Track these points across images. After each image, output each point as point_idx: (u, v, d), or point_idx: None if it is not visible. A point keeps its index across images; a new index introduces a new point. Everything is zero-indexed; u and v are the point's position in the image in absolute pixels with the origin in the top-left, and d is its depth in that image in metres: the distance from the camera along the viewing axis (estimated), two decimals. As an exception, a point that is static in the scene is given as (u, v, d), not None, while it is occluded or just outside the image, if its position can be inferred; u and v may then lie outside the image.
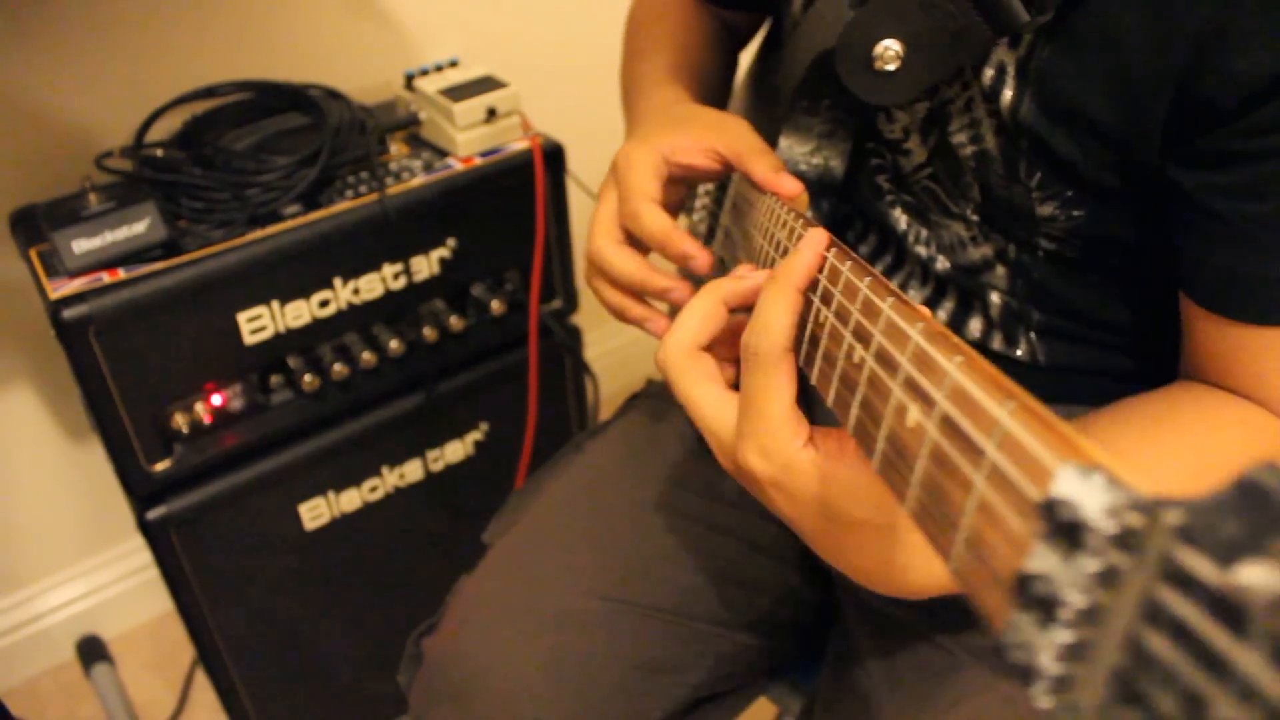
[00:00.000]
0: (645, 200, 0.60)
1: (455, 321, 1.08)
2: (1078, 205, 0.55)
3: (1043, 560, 0.24)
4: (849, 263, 0.43)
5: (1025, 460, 0.26)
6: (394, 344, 1.04)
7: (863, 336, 0.40)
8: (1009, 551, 0.26)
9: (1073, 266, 0.59)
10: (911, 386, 0.35)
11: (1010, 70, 0.54)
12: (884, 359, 0.37)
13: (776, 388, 0.44)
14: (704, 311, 0.50)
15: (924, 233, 0.65)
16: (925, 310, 0.37)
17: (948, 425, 0.31)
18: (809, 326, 0.46)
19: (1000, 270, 0.62)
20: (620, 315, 0.65)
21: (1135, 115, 0.50)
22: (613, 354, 1.81)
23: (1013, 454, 0.27)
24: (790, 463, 0.43)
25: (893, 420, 0.35)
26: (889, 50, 0.55)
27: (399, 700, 1.20)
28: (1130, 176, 0.53)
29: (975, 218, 0.61)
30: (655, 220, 0.59)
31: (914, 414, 0.34)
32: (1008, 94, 0.54)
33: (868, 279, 0.40)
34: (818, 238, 0.45)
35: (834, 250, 0.45)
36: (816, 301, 0.45)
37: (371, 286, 1.02)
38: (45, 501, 1.33)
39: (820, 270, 0.45)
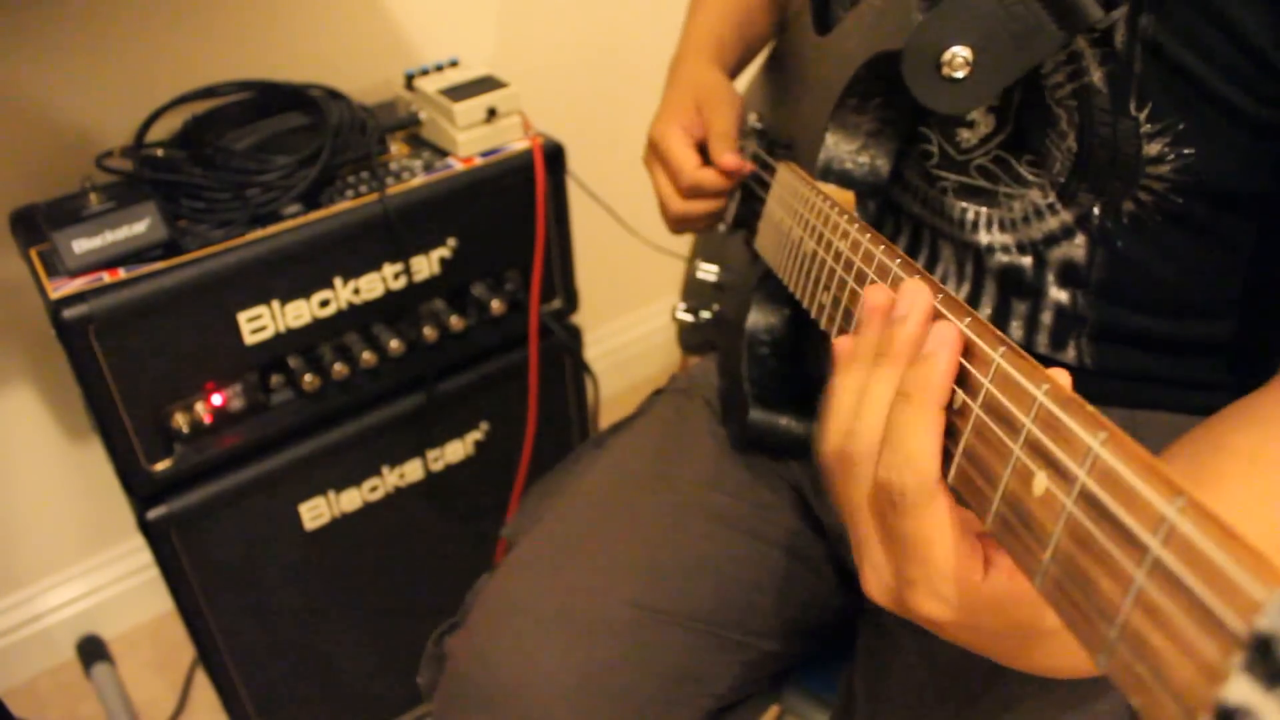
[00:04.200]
0: (696, 169, 0.77)
1: (455, 321, 1.08)
2: (1189, 140, 0.52)
3: (1244, 691, 0.22)
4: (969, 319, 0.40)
5: (1210, 573, 0.25)
6: (394, 344, 1.03)
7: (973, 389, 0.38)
8: (1194, 675, 0.25)
9: (1163, 226, 0.57)
10: (1038, 452, 0.33)
11: None
12: (1001, 415, 0.35)
13: (938, 528, 0.39)
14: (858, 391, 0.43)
15: (985, 213, 0.63)
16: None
17: (1090, 505, 0.30)
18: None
19: (1079, 238, 0.59)
20: (665, 205, 0.81)
21: None
22: (613, 354, 1.81)
23: (1188, 560, 0.25)
24: (974, 602, 0.39)
25: (1016, 486, 0.34)
26: (958, 57, 0.53)
27: (399, 700, 1.20)
28: (1271, 99, 0.50)
29: (1063, 178, 0.58)
30: (708, 175, 0.77)
31: (1040, 483, 0.32)
32: (1125, 5, 0.51)
33: (1002, 348, 0.37)
34: (946, 332, 0.39)
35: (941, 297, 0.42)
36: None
37: (372, 286, 1.02)
38: (45, 501, 1.33)
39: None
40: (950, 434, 0.39)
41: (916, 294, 0.42)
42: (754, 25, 0.87)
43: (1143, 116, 0.53)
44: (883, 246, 0.48)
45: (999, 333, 0.37)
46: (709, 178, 0.78)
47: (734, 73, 0.88)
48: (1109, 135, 0.55)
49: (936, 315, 0.41)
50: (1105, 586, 0.29)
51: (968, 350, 0.38)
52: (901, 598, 0.41)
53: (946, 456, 0.39)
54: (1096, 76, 0.54)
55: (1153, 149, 0.54)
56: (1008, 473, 0.35)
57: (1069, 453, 0.31)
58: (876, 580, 0.43)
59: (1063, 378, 0.35)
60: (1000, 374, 0.36)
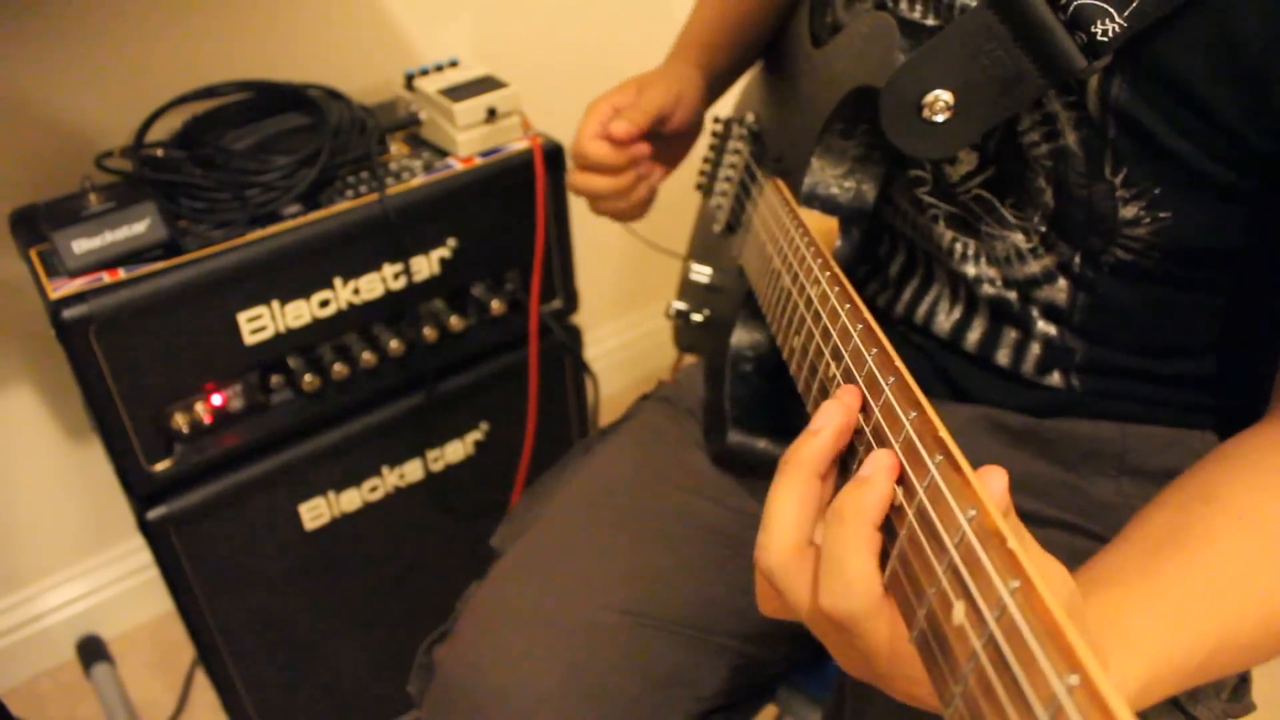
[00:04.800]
0: (586, 139, 0.78)
1: (455, 321, 1.07)
2: (1164, 205, 0.52)
3: None
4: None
5: None
6: (394, 344, 1.03)
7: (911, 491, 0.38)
8: None
9: (1142, 278, 0.56)
10: (959, 581, 0.32)
11: None
12: (931, 531, 0.35)
13: (895, 634, 0.39)
14: (799, 497, 0.43)
15: (972, 246, 0.62)
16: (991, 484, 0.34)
17: (995, 651, 0.29)
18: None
19: (1061, 282, 0.59)
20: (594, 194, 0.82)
21: (1251, 97, 0.47)
22: (613, 354, 1.81)
23: None
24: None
25: (938, 607, 0.34)
26: (939, 100, 0.52)
27: (399, 700, 1.19)
28: (1243, 167, 0.49)
29: (1043, 227, 0.58)
30: (595, 147, 0.78)
31: (959, 614, 0.32)
32: (1095, 77, 0.51)
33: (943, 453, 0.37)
34: (886, 459, 0.39)
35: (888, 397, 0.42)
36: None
37: (371, 286, 1.02)
38: (45, 501, 1.33)
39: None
40: (888, 532, 0.38)
41: (831, 413, 0.43)
42: (756, 26, 0.86)
43: (1118, 181, 0.53)
44: (849, 306, 0.47)
45: (942, 434, 0.36)
46: (595, 150, 0.78)
47: (729, 73, 0.88)
48: (1084, 196, 0.54)
49: (886, 409, 0.40)
50: None
51: (908, 450, 0.37)
52: (881, 685, 0.42)
53: (883, 556, 0.39)
54: (1072, 139, 0.53)
55: (1129, 212, 0.53)
56: (933, 592, 0.34)
57: (984, 593, 0.31)
58: (850, 668, 0.44)
59: (997, 484, 0.35)
60: (933, 486, 0.35)
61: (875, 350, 0.43)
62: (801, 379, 0.52)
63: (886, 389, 0.41)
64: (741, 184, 0.80)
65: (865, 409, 0.43)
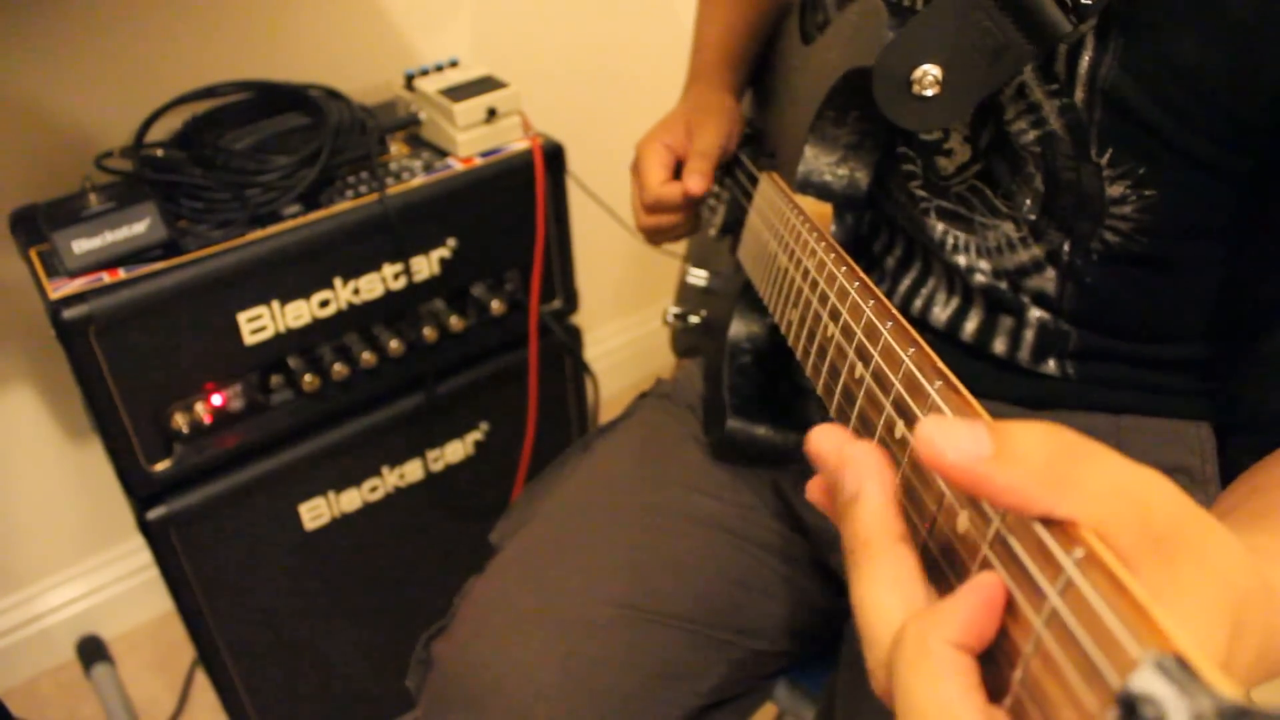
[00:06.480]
0: (659, 185, 0.79)
1: (455, 321, 1.08)
2: (1150, 183, 0.53)
3: None
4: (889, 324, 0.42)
5: (1096, 627, 0.25)
6: (394, 344, 1.03)
7: (886, 386, 0.39)
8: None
9: (1129, 264, 0.57)
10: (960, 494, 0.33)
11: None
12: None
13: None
14: (889, 578, 0.33)
15: (963, 238, 0.63)
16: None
17: (1003, 548, 0.30)
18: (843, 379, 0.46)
19: (1050, 273, 0.60)
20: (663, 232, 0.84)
21: (1240, 65, 0.47)
22: (613, 354, 1.81)
23: (1080, 612, 0.26)
24: None
25: (942, 519, 0.34)
26: (928, 75, 0.53)
27: (399, 700, 1.20)
28: (1228, 141, 0.50)
29: (1033, 215, 0.59)
30: (668, 190, 0.79)
31: (964, 521, 0.32)
32: (1086, 57, 0.51)
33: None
34: (868, 462, 0.35)
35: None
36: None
37: (371, 286, 1.02)
38: (45, 501, 1.34)
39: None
40: (954, 568, 0.33)
41: (821, 438, 0.37)
42: (765, 30, 0.86)
43: (1104, 161, 0.54)
44: (845, 268, 0.48)
45: (940, 365, 0.36)
46: (669, 193, 0.79)
47: (747, 83, 0.89)
48: (1073, 179, 0.55)
49: (885, 351, 0.41)
50: (1011, 632, 0.29)
51: (909, 383, 0.37)
52: None
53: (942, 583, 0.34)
54: (1058, 125, 0.54)
55: (1115, 190, 0.54)
56: (935, 508, 0.34)
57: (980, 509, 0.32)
58: None
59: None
60: (934, 409, 0.36)
61: (873, 302, 0.44)
62: (800, 347, 0.52)
63: (885, 332, 0.41)
64: (739, 184, 0.80)
65: (864, 356, 0.43)
